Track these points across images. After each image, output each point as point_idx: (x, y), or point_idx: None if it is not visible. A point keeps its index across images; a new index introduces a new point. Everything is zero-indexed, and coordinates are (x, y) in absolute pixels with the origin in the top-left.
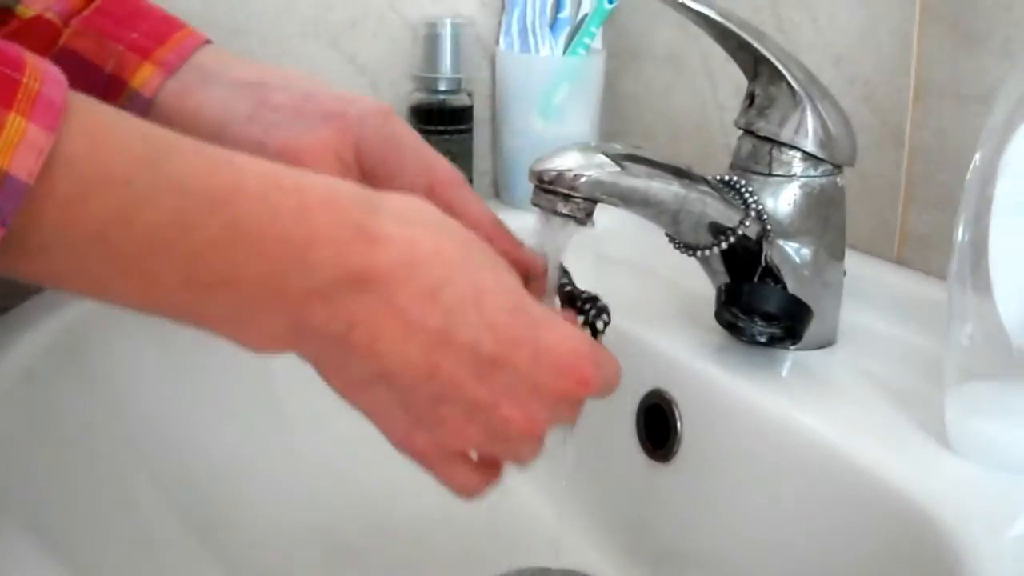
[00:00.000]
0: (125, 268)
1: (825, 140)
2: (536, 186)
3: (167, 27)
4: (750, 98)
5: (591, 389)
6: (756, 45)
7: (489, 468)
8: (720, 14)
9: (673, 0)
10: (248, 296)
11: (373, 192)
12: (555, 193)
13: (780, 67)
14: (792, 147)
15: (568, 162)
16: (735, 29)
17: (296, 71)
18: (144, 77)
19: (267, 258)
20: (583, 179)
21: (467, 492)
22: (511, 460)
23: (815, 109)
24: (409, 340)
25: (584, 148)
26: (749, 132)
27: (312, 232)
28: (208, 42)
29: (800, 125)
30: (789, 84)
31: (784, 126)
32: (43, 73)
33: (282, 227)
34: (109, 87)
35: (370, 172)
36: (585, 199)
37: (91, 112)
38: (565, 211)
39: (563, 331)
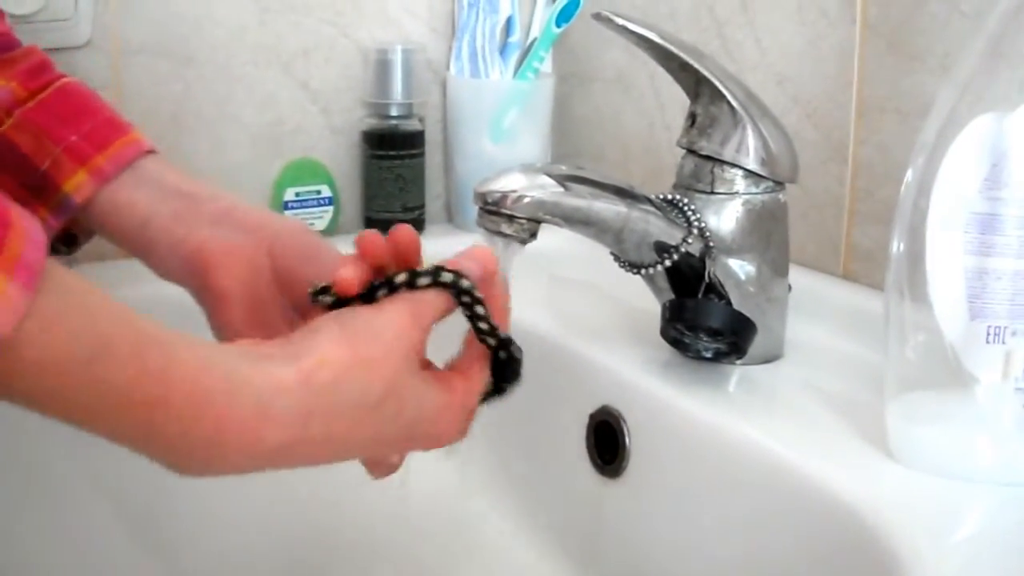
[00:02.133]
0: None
1: (766, 158)
2: (480, 208)
3: (110, 131)
4: (692, 118)
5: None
6: (696, 66)
7: None
8: (661, 36)
9: (616, 24)
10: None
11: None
12: (499, 214)
13: (720, 87)
14: (734, 165)
15: (511, 183)
16: (676, 51)
17: (227, 192)
18: (77, 183)
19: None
20: (526, 200)
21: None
22: None
23: (756, 127)
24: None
25: (528, 169)
26: (691, 151)
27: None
28: (151, 151)
29: (741, 143)
30: (729, 103)
31: (725, 145)
32: (27, 234)
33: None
34: (43, 186)
35: (286, 271)
36: (528, 219)
37: (53, 289)
38: (509, 232)
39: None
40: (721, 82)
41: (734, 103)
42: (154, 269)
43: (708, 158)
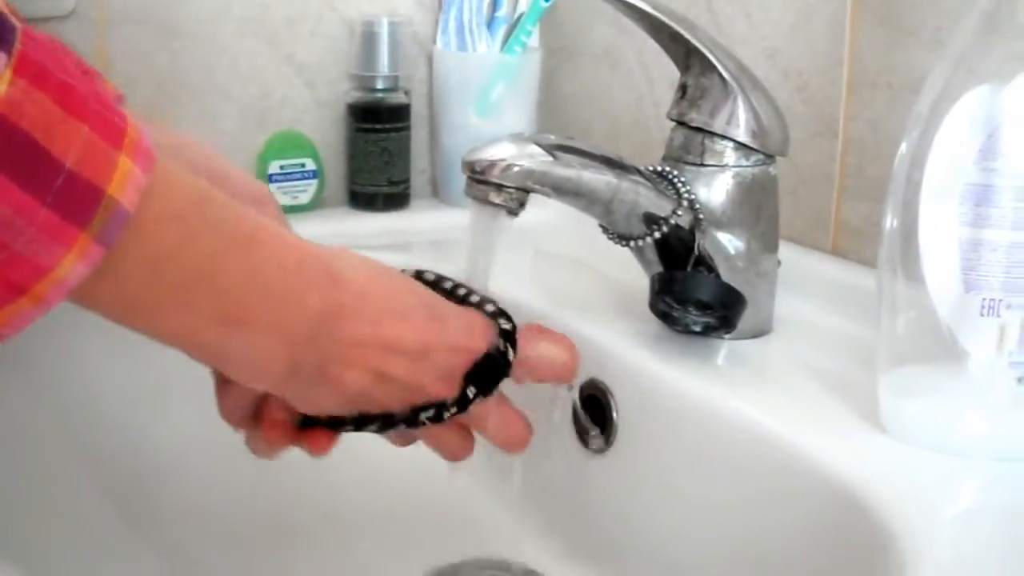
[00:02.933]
0: (169, 299)
1: (757, 130)
2: (469, 176)
3: None
4: (682, 89)
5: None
6: (687, 36)
7: None
8: (652, 6)
9: None
10: (261, 337)
11: (324, 246)
12: (487, 183)
13: (711, 58)
14: (724, 137)
15: (500, 152)
16: (667, 21)
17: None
18: None
19: (277, 303)
20: (515, 169)
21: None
22: None
23: (747, 99)
24: (363, 363)
25: (517, 139)
26: (681, 123)
27: (305, 282)
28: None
29: (732, 115)
30: (720, 75)
31: (716, 116)
32: (137, 123)
33: (289, 278)
34: None
35: None
36: (517, 189)
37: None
38: (497, 201)
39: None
40: (712, 53)
41: (725, 74)
42: None
43: (698, 130)
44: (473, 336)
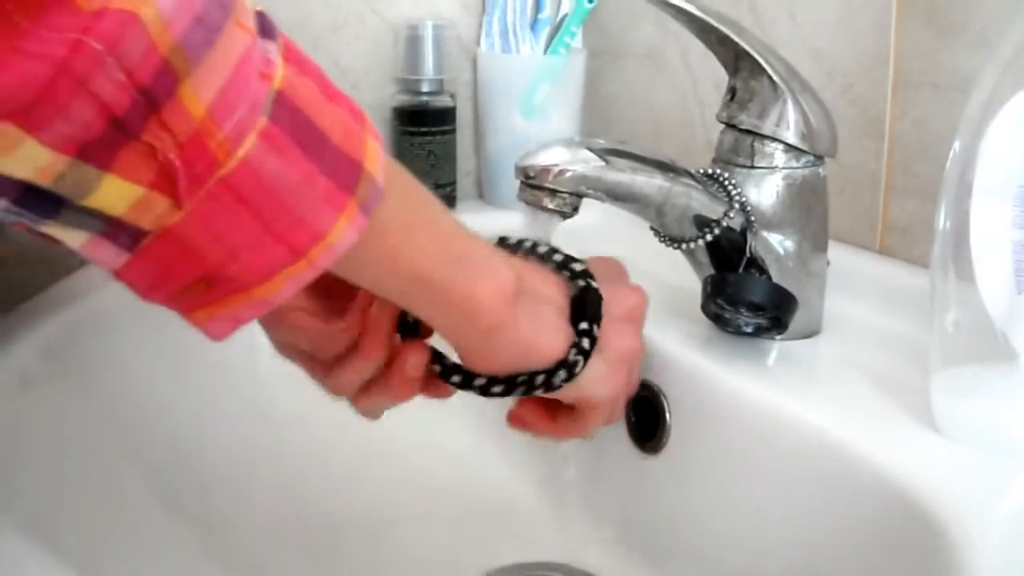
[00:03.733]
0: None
1: (806, 132)
2: (522, 182)
3: None
4: (731, 92)
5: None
6: (736, 39)
7: None
8: (700, 9)
9: None
10: (482, 260)
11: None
12: (541, 188)
13: (761, 60)
14: (774, 139)
15: (553, 157)
16: (715, 23)
17: None
18: None
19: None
20: (568, 174)
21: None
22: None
23: (796, 101)
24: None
25: (569, 143)
26: (731, 126)
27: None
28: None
29: (781, 117)
30: (770, 77)
31: (766, 119)
32: (368, 119)
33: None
34: None
35: None
36: (571, 194)
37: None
38: (551, 206)
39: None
40: (761, 55)
41: (775, 77)
42: None
43: (748, 132)
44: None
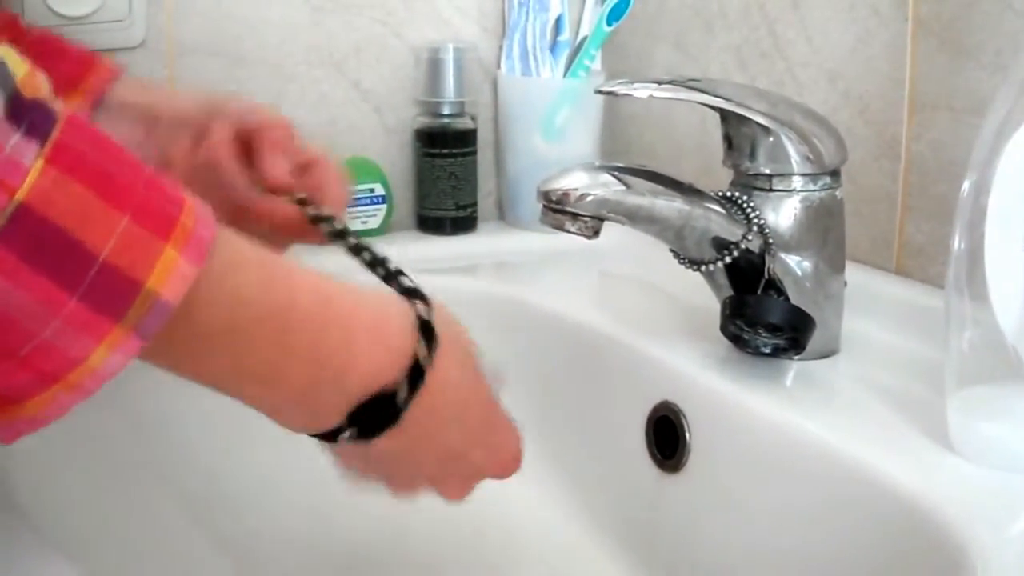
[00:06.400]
0: (208, 353)
1: (811, 154)
2: (544, 206)
3: (81, 68)
4: (727, 140)
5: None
6: (708, 102)
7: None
8: (664, 88)
9: (618, 94)
10: (292, 398)
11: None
12: (563, 212)
13: (739, 111)
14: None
15: (574, 182)
16: (684, 97)
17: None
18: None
19: (308, 372)
20: (589, 198)
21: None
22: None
23: (789, 131)
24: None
25: (589, 168)
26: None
27: (352, 360)
28: (114, 77)
29: (781, 152)
30: (755, 122)
31: (767, 159)
32: (196, 212)
33: (327, 349)
34: None
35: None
36: (592, 217)
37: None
38: (573, 229)
39: (510, 435)
40: (739, 105)
41: (759, 120)
42: None
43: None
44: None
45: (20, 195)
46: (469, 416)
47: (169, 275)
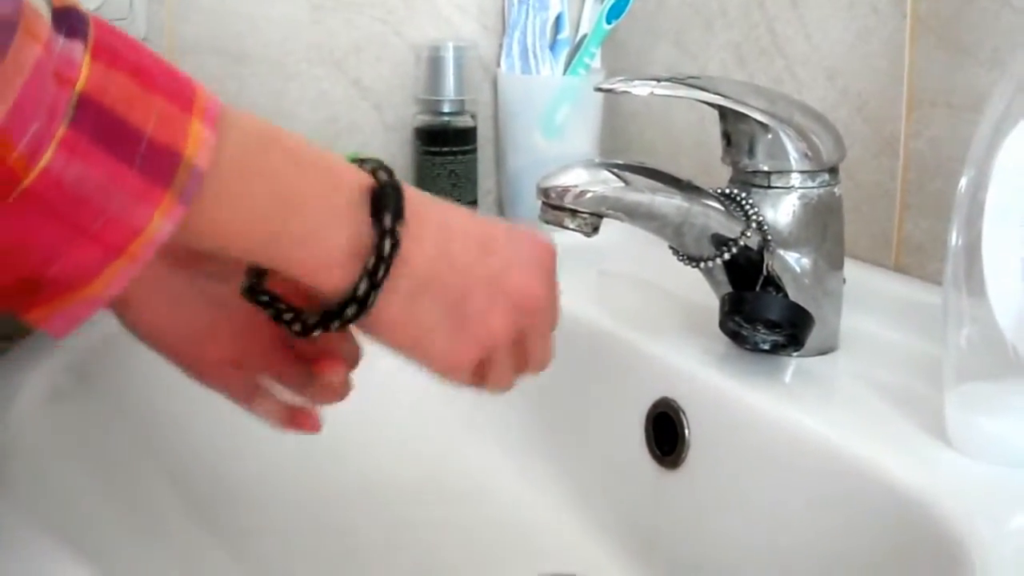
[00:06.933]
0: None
1: (809, 151)
2: (543, 203)
3: None
4: (726, 137)
5: (554, 253)
6: (706, 98)
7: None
8: (663, 86)
9: (617, 91)
10: (316, 214)
11: None
12: (562, 209)
13: (738, 108)
14: (781, 171)
15: (573, 179)
16: (683, 94)
17: None
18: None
19: (319, 178)
20: (588, 195)
21: (507, 385)
22: (536, 338)
23: (787, 128)
24: (426, 240)
25: (589, 164)
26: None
27: (341, 162)
28: None
29: (779, 149)
30: (754, 119)
31: (765, 156)
32: (204, 91)
33: (320, 157)
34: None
35: None
36: (591, 214)
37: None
38: (572, 226)
39: (524, 233)
40: (737, 102)
41: (758, 116)
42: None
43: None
44: None
45: (79, 86)
46: (468, 229)
47: (199, 144)
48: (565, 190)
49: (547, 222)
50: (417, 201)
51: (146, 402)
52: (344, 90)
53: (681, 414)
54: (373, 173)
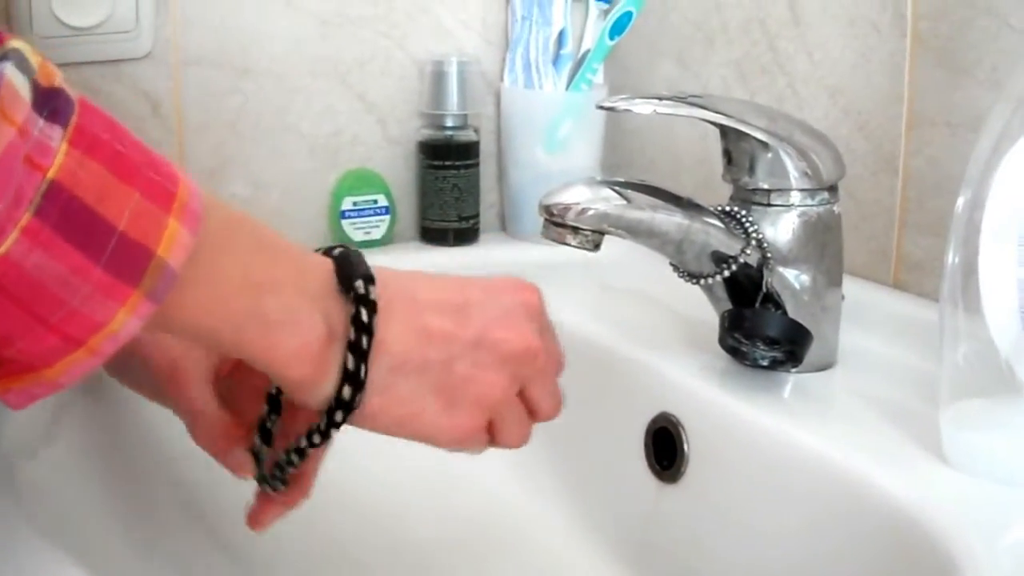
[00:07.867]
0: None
1: (809, 170)
2: (546, 220)
3: None
4: (727, 155)
5: (540, 297)
6: (707, 117)
7: (522, 419)
8: (665, 105)
9: (619, 109)
10: (288, 298)
11: None
12: (564, 226)
13: (739, 127)
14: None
15: (575, 196)
16: (684, 113)
17: None
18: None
19: (290, 263)
20: (590, 212)
21: (520, 440)
22: (538, 386)
23: (787, 147)
24: (399, 321)
25: (591, 182)
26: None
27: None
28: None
29: (779, 167)
30: (754, 138)
31: (765, 174)
32: (190, 185)
33: (288, 245)
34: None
35: None
36: (593, 231)
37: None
38: (574, 243)
39: (500, 281)
40: (738, 120)
41: (759, 136)
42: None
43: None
44: None
45: (51, 174)
46: (439, 298)
47: (174, 244)
48: (567, 208)
49: (550, 239)
50: (381, 279)
51: (147, 408)
52: (348, 104)
53: (680, 429)
54: (327, 252)
